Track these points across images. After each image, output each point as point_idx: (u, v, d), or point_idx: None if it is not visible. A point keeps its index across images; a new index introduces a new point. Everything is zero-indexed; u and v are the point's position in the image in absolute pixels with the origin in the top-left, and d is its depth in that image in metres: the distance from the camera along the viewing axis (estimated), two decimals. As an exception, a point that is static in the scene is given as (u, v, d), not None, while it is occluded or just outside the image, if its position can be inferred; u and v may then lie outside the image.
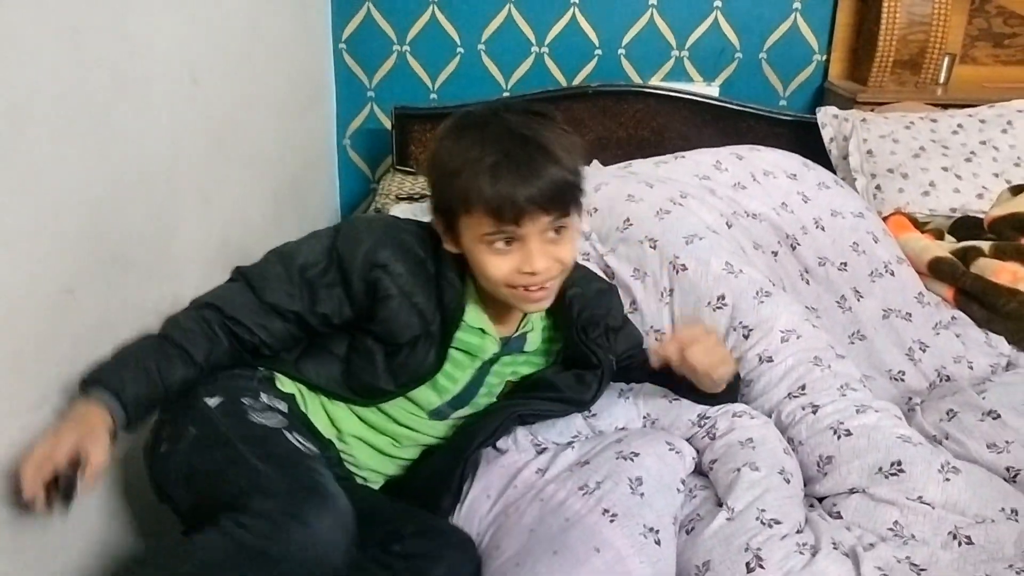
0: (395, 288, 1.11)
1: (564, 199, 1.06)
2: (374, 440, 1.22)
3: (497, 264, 1.07)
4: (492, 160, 1.02)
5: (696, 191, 1.70)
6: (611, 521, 1.06)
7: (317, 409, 1.19)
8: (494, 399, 1.27)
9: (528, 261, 1.06)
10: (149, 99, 1.32)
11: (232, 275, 1.17)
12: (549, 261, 1.07)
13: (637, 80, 2.83)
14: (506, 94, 2.85)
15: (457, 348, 1.17)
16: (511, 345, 1.23)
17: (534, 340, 1.25)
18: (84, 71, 1.12)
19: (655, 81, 2.82)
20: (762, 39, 2.81)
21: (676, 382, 1.26)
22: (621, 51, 2.81)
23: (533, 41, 2.81)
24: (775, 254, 1.68)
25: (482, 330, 1.18)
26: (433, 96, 2.89)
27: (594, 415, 1.28)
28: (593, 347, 1.23)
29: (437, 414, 1.22)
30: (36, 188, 1.02)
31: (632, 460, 1.16)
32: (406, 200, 2.56)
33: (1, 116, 0.95)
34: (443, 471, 1.19)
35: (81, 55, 1.11)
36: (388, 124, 2.81)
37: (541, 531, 1.08)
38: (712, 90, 2.78)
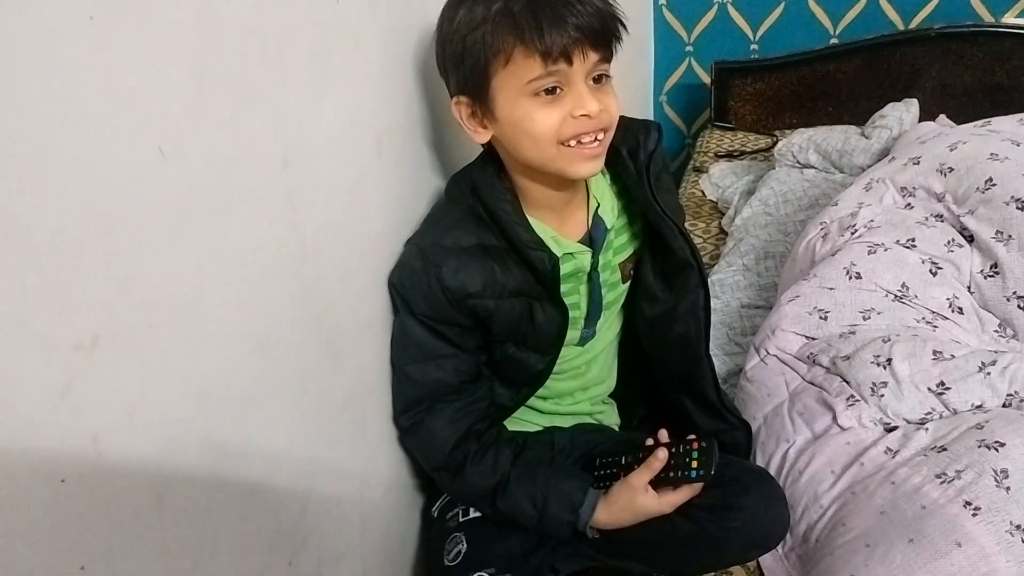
0: (491, 301, 1.07)
1: (610, 34, 0.97)
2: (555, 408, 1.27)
3: (546, 116, 0.96)
4: None
5: (1072, 151, 1.52)
6: (973, 515, 1.00)
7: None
8: (620, 291, 1.21)
9: (580, 103, 0.96)
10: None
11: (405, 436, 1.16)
12: (600, 105, 0.97)
13: (988, 18, 2.54)
14: (834, 41, 2.69)
15: (563, 283, 1.12)
16: (596, 239, 1.13)
17: (609, 214, 1.14)
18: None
19: (1011, 19, 2.51)
20: None
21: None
22: (970, -15, 2.54)
23: (867, -19, 2.62)
24: None
25: (571, 254, 1.11)
26: (754, 47, 2.80)
27: (948, 389, 1.20)
28: (671, 218, 1.11)
29: (583, 340, 1.20)
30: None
31: (997, 450, 1.08)
32: (725, 157, 2.54)
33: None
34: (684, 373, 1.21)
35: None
36: (706, 79, 2.79)
37: (894, 516, 1.04)
38: (1084, 26, 2.43)
